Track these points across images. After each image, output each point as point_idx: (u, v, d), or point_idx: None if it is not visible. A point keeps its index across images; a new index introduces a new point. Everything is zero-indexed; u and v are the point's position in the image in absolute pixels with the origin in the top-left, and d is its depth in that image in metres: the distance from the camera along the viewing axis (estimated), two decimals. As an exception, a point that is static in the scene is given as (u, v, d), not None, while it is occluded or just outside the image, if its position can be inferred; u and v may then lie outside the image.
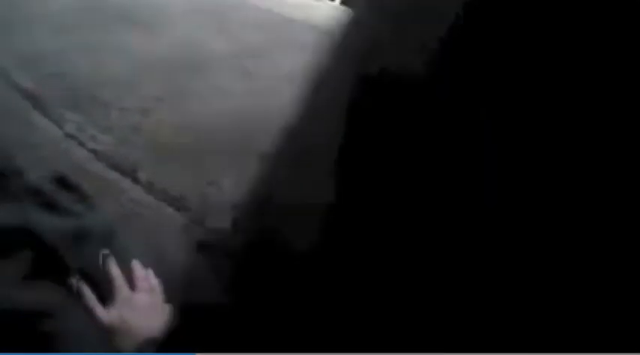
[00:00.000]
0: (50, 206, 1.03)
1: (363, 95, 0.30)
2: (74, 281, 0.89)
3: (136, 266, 0.92)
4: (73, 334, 0.85)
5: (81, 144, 1.32)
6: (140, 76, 1.52)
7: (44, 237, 0.94)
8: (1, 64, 1.51)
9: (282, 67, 1.59)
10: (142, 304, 0.87)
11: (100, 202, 1.14)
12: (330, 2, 2.14)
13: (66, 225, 0.97)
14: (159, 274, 0.98)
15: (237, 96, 1.52)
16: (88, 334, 0.86)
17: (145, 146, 1.32)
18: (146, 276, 0.92)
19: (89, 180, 1.21)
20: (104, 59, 1.58)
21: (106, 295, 0.90)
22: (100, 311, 0.87)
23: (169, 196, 1.22)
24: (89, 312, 0.88)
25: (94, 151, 1.30)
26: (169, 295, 0.95)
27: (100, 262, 0.94)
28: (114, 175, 1.25)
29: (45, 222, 0.96)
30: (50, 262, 0.93)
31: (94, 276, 0.93)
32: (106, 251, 0.95)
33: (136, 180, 1.24)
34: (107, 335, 0.85)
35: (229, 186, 1.26)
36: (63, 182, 1.09)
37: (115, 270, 0.90)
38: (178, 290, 0.93)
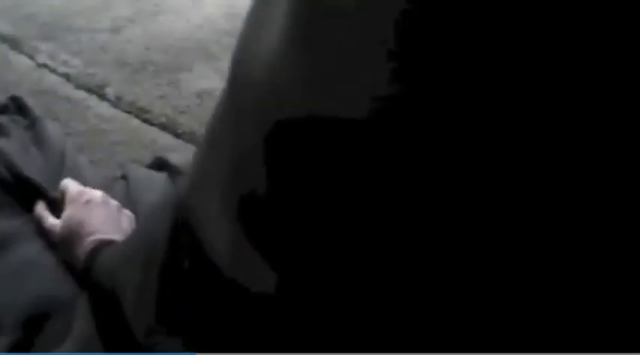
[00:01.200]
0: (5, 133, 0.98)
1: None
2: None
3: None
4: (22, 265, 0.78)
5: (52, 70, 1.27)
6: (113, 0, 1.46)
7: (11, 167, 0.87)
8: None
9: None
10: (93, 195, 0.78)
11: (67, 122, 1.10)
12: None
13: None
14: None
15: (209, 9, 1.44)
16: (39, 265, 0.78)
17: (114, 63, 1.26)
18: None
19: (57, 103, 1.17)
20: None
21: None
22: (50, 219, 0.79)
23: (136, 108, 1.15)
24: (40, 222, 0.80)
25: (65, 75, 1.25)
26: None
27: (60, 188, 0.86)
28: (81, 94, 1.19)
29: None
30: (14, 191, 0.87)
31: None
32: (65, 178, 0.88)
33: (102, 96, 1.18)
34: (57, 250, 0.76)
35: (198, 99, 1.18)
36: (18, 103, 1.03)
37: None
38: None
